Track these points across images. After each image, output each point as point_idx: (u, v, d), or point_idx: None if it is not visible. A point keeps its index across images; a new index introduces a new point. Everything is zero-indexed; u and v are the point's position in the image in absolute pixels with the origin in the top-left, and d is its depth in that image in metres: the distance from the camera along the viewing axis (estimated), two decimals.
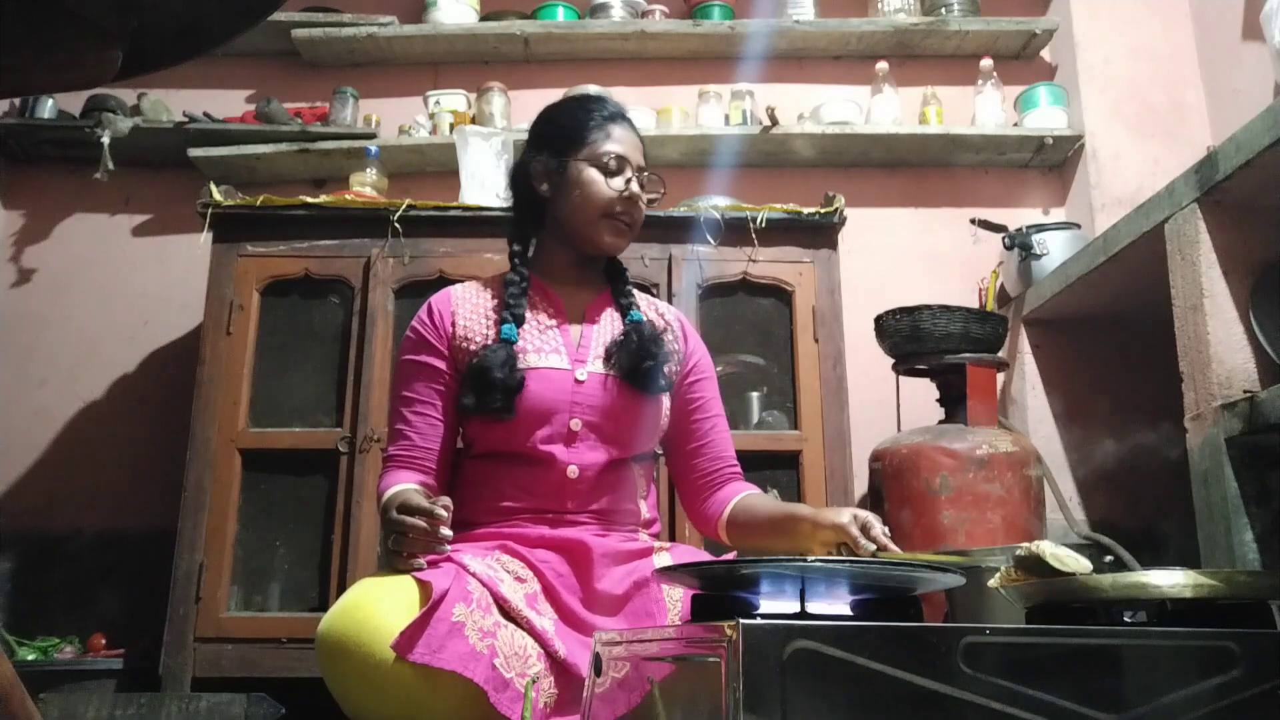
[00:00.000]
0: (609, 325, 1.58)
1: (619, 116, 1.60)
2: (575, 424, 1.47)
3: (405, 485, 1.44)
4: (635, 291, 1.65)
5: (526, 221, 1.63)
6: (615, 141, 1.56)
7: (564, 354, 1.52)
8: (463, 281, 1.65)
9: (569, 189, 1.55)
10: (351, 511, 2.38)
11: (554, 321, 1.56)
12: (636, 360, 1.50)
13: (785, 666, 0.85)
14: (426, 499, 1.33)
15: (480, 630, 1.23)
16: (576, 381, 1.49)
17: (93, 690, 2.38)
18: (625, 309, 1.59)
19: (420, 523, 1.28)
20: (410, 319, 1.60)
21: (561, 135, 1.58)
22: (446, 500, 1.31)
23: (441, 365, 1.52)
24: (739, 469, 1.64)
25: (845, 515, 1.35)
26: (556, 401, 1.47)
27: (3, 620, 2.75)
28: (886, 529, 1.34)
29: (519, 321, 1.52)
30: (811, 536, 1.39)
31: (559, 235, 1.60)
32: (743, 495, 1.57)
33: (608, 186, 1.53)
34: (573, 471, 1.46)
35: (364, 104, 3.14)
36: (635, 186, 1.55)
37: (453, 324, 1.54)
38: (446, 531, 1.29)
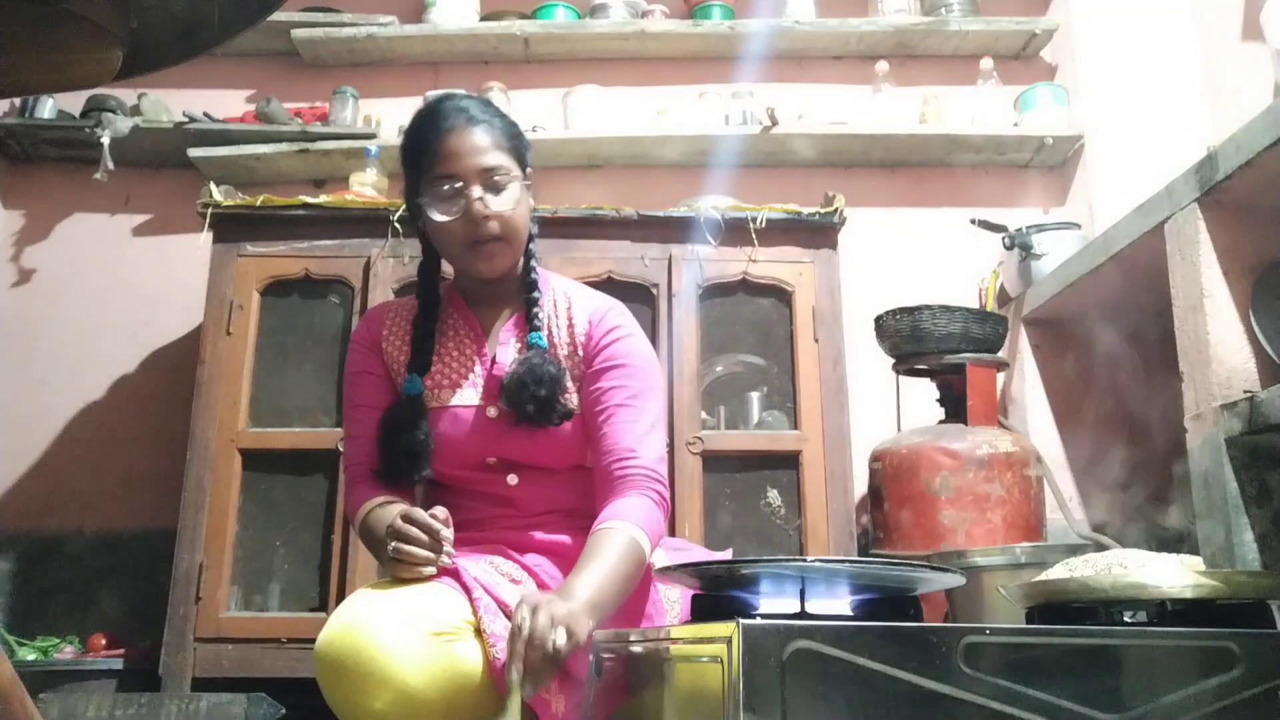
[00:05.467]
0: (513, 352, 1.48)
1: (448, 125, 1.42)
2: (490, 460, 1.44)
3: (383, 499, 1.41)
4: (565, 290, 1.53)
5: (431, 248, 1.53)
6: (443, 160, 1.41)
7: (479, 387, 1.46)
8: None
9: (429, 230, 1.47)
10: None
11: (473, 347, 1.49)
12: (518, 401, 1.40)
13: (785, 666, 0.85)
14: (431, 516, 1.32)
15: (492, 635, 1.23)
16: (487, 418, 1.44)
17: (93, 690, 2.38)
18: (529, 329, 1.48)
19: (424, 536, 1.28)
20: None
21: (410, 170, 1.47)
22: (447, 515, 1.30)
23: (381, 373, 1.50)
24: (629, 462, 1.39)
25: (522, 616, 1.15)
26: (468, 440, 1.43)
27: (3, 620, 2.75)
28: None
29: (423, 369, 1.46)
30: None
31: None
32: (601, 526, 1.33)
33: (449, 221, 1.41)
34: (512, 479, 1.44)
35: (364, 104, 3.14)
36: (476, 204, 1.39)
37: (381, 340, 1.51)
38: (449, 549, 1.29)
